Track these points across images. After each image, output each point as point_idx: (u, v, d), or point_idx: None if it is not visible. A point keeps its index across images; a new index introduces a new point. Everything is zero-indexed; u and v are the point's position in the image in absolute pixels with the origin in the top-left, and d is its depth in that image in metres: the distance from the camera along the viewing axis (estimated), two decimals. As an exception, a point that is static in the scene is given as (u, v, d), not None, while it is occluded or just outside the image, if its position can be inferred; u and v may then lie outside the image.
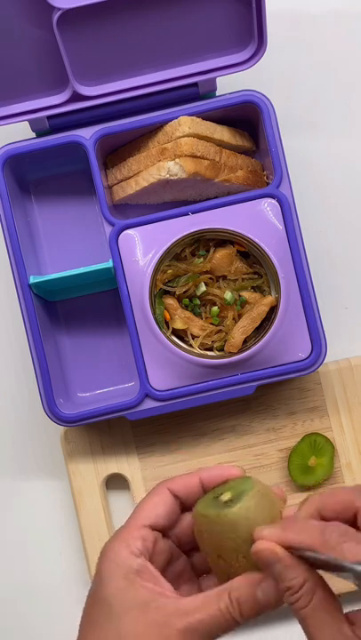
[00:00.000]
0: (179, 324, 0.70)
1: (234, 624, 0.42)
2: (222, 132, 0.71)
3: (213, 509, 0.45)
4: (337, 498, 0.43)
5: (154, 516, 0.46)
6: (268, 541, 0.41)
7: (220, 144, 0.71)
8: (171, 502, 0.47)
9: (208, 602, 0.42)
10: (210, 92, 0.70)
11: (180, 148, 0.68)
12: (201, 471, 0.49)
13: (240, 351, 0.69)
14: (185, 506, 0.49)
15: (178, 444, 0.74)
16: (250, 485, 0.47)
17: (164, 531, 0.48)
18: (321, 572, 0.42)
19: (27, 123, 0.70)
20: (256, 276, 0.71)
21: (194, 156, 0.68)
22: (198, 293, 0.70)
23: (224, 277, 0.70)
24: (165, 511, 0.47)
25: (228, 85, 0.71)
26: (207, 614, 0.41)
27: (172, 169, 0.68)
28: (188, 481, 0.48)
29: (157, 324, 0.68)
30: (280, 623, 0.75)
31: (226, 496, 0.46)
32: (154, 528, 0.46)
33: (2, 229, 0.70)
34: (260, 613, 0.43)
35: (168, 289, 0.70)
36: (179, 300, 0.70)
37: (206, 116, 0.70)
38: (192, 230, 0.68)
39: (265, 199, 0.69)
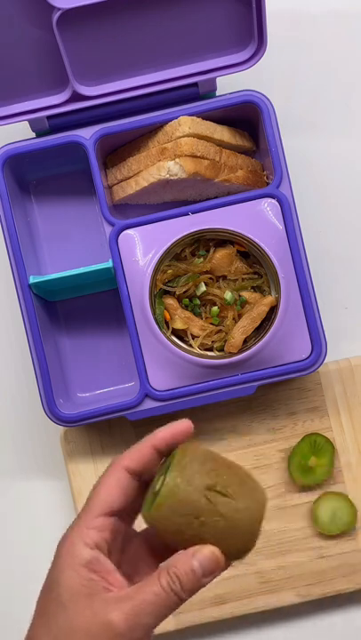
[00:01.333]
0: (179, 324, 0.70)
1: (178, 600, 0.43)
2: (222, 132, 0.71)
3: (149, 506, 0.45)
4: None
5: (109, 502, 0.45)
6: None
7: (220, 144, 0.71)
8: (126, 482, 0.46)
9: (150, 582, 0.43)
10: (210, 92, 0.70)
11: (180, 147, 0.68)
12: (152, 438, 0.47)
13: (240, 351, 0.69)
14: (145, 477, 0.48)
15: (178, 444, 0.74)
16: (172, 460, 0.46)
17: (121, 512, 0.46)
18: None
19: (27, 123, 0.70)
20: (256, 276, 0.71)
21: (194, 156, 0.68)
22: (198, 293, 0.70)
23: (224, 277, 0.70)
24: (121, 494, 0.45)
25: (228, 85, 0.71)
26: (151, 594, 0.42)
27: (172, 169, 0.68)
28: (142, 454, 0.46)
29: (157, 323, 0.68)
30: (279, 624, 0.75)
31: (157, 485, 0.46)
32: (110, 514, 0.45)
33: (2, 229, 0.70)
34: (202, 585, 0.43)
35: (168, 289, 0.70)
36: (179, 300, 0.70)
37: (206, 116, 0.70)
38: (192, 230, 0.68)
39: (265, 199, 0.69)
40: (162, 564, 0.44)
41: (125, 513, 0.46)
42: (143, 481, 0.47)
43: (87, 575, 0.43)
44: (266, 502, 0.47)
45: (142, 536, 0.49)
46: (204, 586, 0.43)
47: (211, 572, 0.43)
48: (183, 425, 0.47)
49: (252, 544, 0.46)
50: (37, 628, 0.45)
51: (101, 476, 0.46)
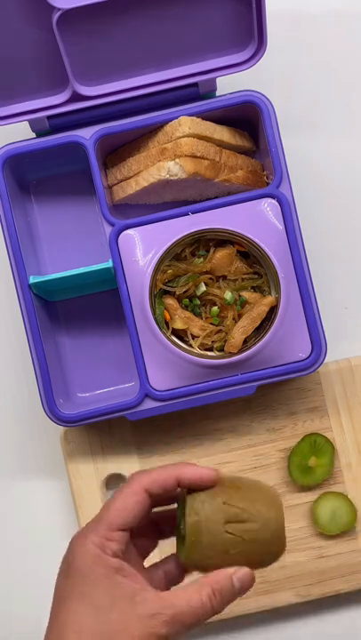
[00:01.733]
0: (179, 324, 0.70)
1: (213, 613, 0.47)
2: (222, 132, 0.71)
3: (184, 554, 0.49)
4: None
5: (129, 520, 0.48)
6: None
7: (220, 144, 0.71)
8: (145, 503, 0.48)
9: (192, 594, 0.47)
10: (210, 92, 0.70)
11: (180, 148, 0.68)
12: (177, 470, 0.49)
13: (240, 351, 0.69)
14: (158, 501, 0.51)
15: (178, 444, 0.74)
16: (185, 505, 0.50)
17: (136, 528, 0.49)
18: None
19: (27, 123, 0.70)
20: (256, 276, 0.71)
21: (194, 156, 0.68)
22: (198, 293, 0.70)
23: (224, 277, 0.70)
24: (139, 514, 0.48)
25: (228, 85, 0.71)
26: (191, 605, 0.46)
27: (172, 169, 0.68)
28: (166, 481, 0.49)
29: (157, 323, 0.68)
30: (279, 624, 0.75)
31: (183, 532, 0.50)
32: (126, 529, 0.48)
33: (2, 229, 0.70)
34: (236, 598, 0.49)
35: (168, 289, 0.70)
36: (179, 300, 0.70)
37: (206, 116, 0.70)
38: (192, 230, 0.68)
39: (265, 199, 0.69)
40: (201, 579, 0.48)
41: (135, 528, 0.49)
42: (153, 500, 0.50)
43: (121, 579, 0.46)
44: (280, 502, 0.51)
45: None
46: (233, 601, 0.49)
47: (246, 589, 0.49)
48: (211, 474, 0.50)
49: (282, 546, 0.50)
50: None
51: (123, 491, 0.49)
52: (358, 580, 0.73)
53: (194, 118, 0.69)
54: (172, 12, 0.64)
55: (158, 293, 0.69)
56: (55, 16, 0.62)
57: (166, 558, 0.53)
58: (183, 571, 0.53)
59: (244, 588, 0.48)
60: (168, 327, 0.70)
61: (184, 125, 0.69)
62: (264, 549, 0.50)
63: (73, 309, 0.76)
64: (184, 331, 0.70)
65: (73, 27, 0.63)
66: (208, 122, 0.70)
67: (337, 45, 0.80)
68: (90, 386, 0.75)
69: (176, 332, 0.70)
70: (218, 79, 0.69)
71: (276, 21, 0.71)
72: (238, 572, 0.48)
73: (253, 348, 0.68)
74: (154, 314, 0.68)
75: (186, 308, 0.70)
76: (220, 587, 0.47)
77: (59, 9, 0.61)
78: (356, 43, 0.80)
